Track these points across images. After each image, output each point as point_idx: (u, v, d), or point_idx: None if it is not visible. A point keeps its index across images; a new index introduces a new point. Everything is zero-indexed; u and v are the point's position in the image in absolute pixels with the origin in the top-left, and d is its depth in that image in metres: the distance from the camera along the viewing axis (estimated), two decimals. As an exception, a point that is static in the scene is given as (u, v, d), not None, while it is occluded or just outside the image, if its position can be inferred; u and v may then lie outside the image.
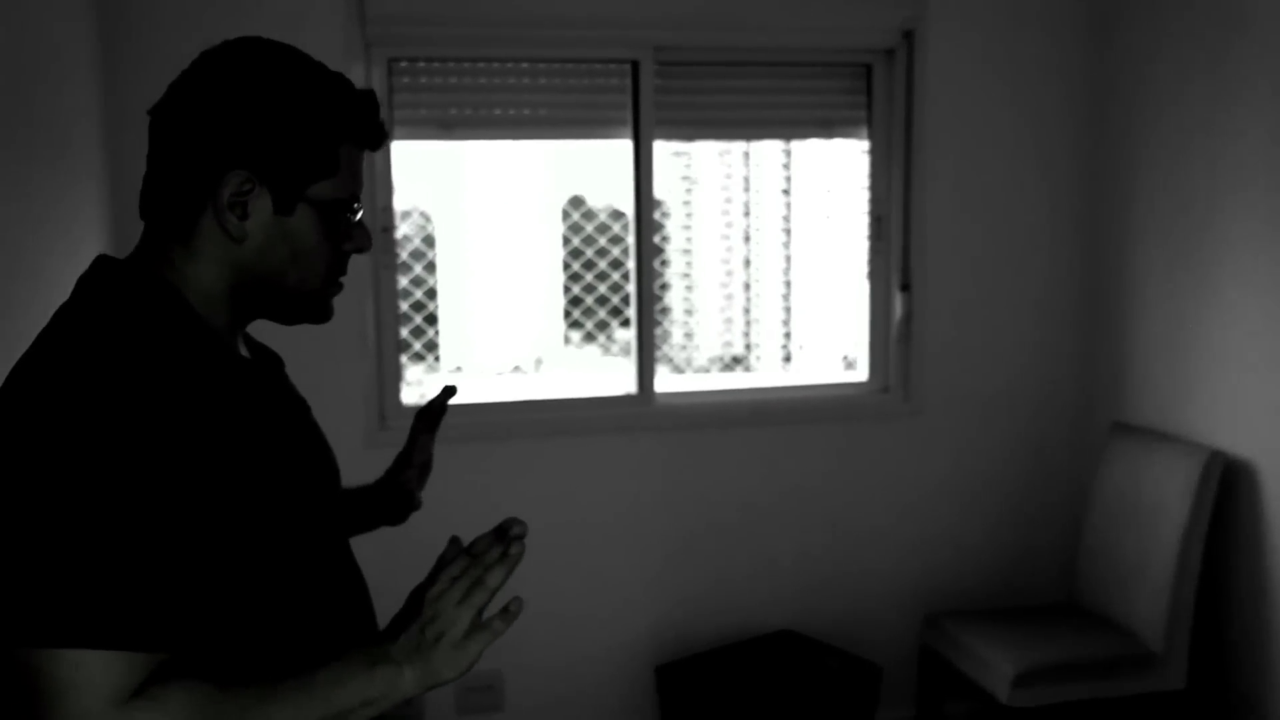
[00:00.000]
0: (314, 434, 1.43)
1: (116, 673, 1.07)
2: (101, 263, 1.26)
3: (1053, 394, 3.91)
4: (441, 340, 3.66)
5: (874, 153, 3.76)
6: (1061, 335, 3.89)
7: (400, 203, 3.50)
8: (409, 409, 3.53)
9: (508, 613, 1.21)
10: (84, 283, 1.24)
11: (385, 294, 3.46)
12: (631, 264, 3.65)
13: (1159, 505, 3.32)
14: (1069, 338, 3.90)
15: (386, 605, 3.03)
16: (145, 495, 1.10)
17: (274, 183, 1.24)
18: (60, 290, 2.29)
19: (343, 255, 1.33)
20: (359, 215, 1.33)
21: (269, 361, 1.40)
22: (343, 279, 1.35)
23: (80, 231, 2.57)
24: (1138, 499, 3.41)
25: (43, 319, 2.15)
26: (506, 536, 1.24)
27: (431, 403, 1.70)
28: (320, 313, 1.34)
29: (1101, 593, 3.50)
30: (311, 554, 1.29)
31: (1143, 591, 3.32)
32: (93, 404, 1.10)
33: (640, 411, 3.64)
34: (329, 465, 1.45)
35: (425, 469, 1.76)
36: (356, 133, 1.29)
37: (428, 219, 3.68)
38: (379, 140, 1.32)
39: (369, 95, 1.30)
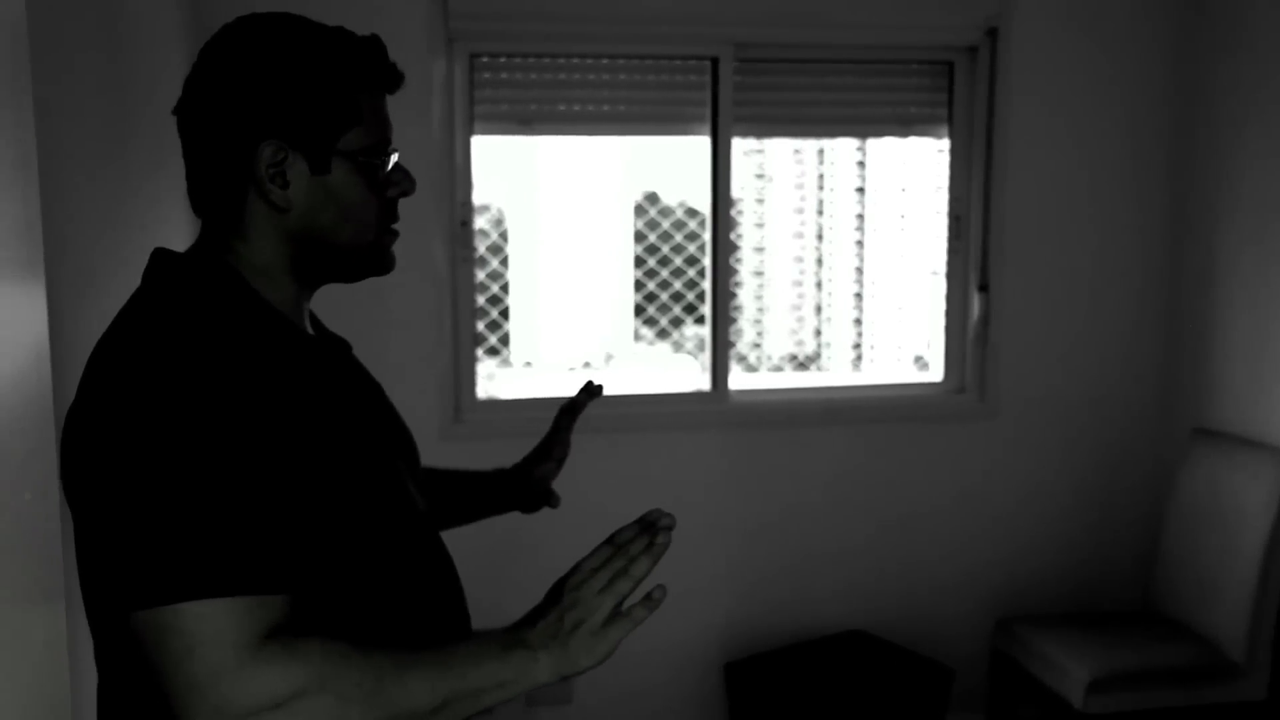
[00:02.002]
0: (389, 412, 1.46)
1: (241, 619, 1.09)
2: (159, 254, 1.30)
3: (1133, 398, 3.86)
4: (512, 335, 3.68)
5: (954, 151, 3.73)
6: (1143, 339, 3.84)
7: (478, 197, 3.52)
8: (483, 403, 3.55)
9: (651, 599, 1.19)
10: (149, 275, 1.29)
11: (462, 288, 3.49)
12: (707, 260, 3.65)
13: (1241, 512, 3.26)
14: (1151, 341, 3.84)
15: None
16: (237, 453, 1.13)
17: (305, 144, 1.26)
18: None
19: (390, 203, 1.35)
20: (395, 160, 1.34)
21: (336, 343, 1.42)
22: (396, 226, 1.37)
23: (173, 201, 2.62)
24: (1219, 506, 3.35)
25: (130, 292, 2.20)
26: (653, 527, 1.23)
27: (576, 397, 1.72)
28: (382, 263, 1.36)
29: (1180, 600, 3.45)
30: (393, 527, 1.31)
31: (1223, 600, 3.27)
32: (175, 376, 1.14)
33: (713, 409, 3.64)
34: (407, 442, 1.47)
35: (561, 462, 1.77)
36: (370, 78, 1.31)
37: (503, 213, 3.71)
38: (394, 82, 1.34)
39: (375, 40, 1.32)
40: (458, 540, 3.50)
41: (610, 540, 1.24)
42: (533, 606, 1.25)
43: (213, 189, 1.28)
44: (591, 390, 1.71)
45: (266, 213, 1.27)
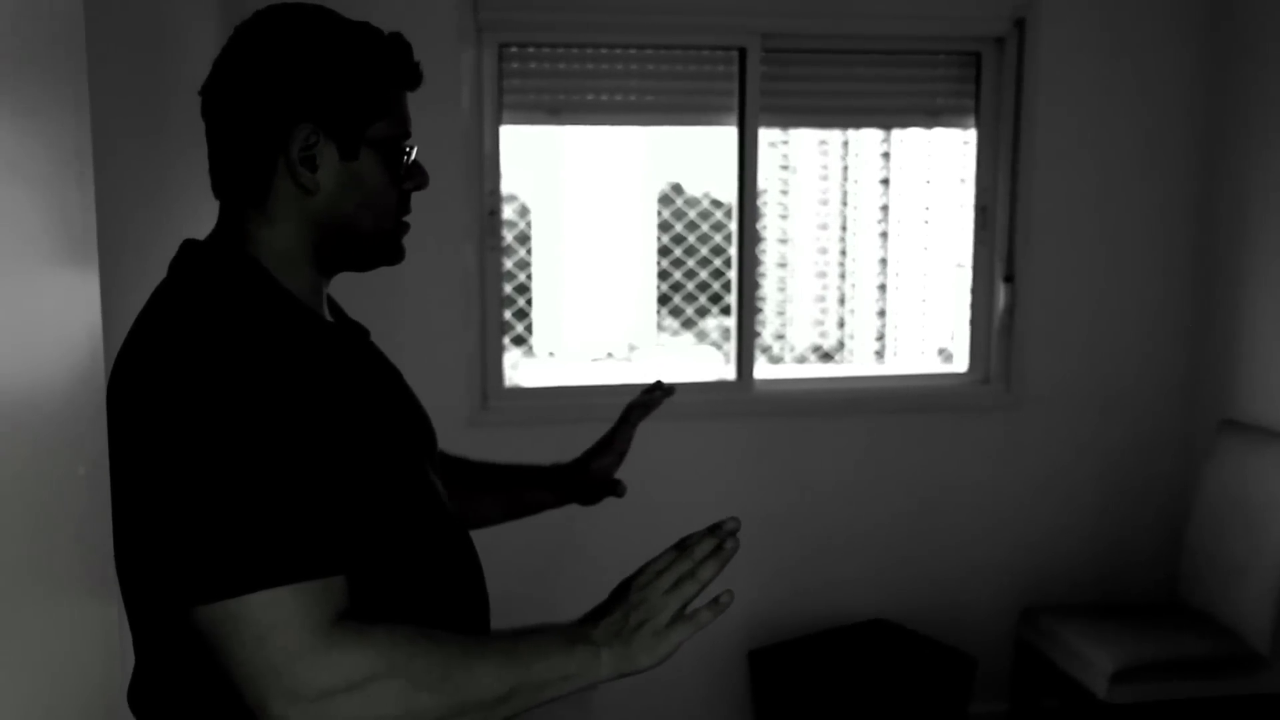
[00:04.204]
0: (409, 398, 1.48)
1: (310, 603, 1.11)
2: (187, 246, 1.33)
3: (1159, 389, 3.85)
4: (535, 325, 3.70)
5: (981, 142, 3.73)
6: (1170, 330, 3.83)
7: (504, 187, 3.53)
8: (509, 390, 3.58)
9: (717, 604, 1.21)
10: (175, 266, 1.31)
11: (490, 276, 3.51)
12: (734, 251, 3.66)
13: (1268, 504, 3.26)
14: (1177, 332, 3.83)
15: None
16: (282, 440, 1.15)
17: (337, 130, 1.29)
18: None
19: (405, 195, 1.38)
20: (414, 155, 1.38)
21: (354, 329, 1.45)
22: (408, 219, 1.40)
23: (206, 185, 2.66)
24: (1245, 498, 3.34)
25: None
26: (720, 532, 1.25)
27: (649, 395, 1.74)
28: (395, 253, 1.39)
29: (1205, 591, 3.44)
30: (415, 510, 1.33)
31: (1249, 591, 3.27)
32: (214, 367, 1.16)
33: (739, 398, 3.65)
34: (426, 428, 1.50)
35: (622, 456, 1.79)
36: (398, 74, 1.35)
37: (528, 204, 3.73)
38: (416, 80, 1.37)
39: (401, 38, 1.36)
40: (486, 531, 3.53)
41: (679, 544, 1.26)
42: (597, 604, 1.27)
43: (241, 170, 1.31)
44: (665, 389, 1.72)
45: (293, 195, 1.30)
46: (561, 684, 1.19)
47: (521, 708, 1.19)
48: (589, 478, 1.78)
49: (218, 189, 1.35)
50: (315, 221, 1.31)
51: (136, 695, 1.30)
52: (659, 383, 1.73)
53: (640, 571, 1.25)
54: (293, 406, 1.17)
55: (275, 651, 1.09)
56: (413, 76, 1.37)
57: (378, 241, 1.36)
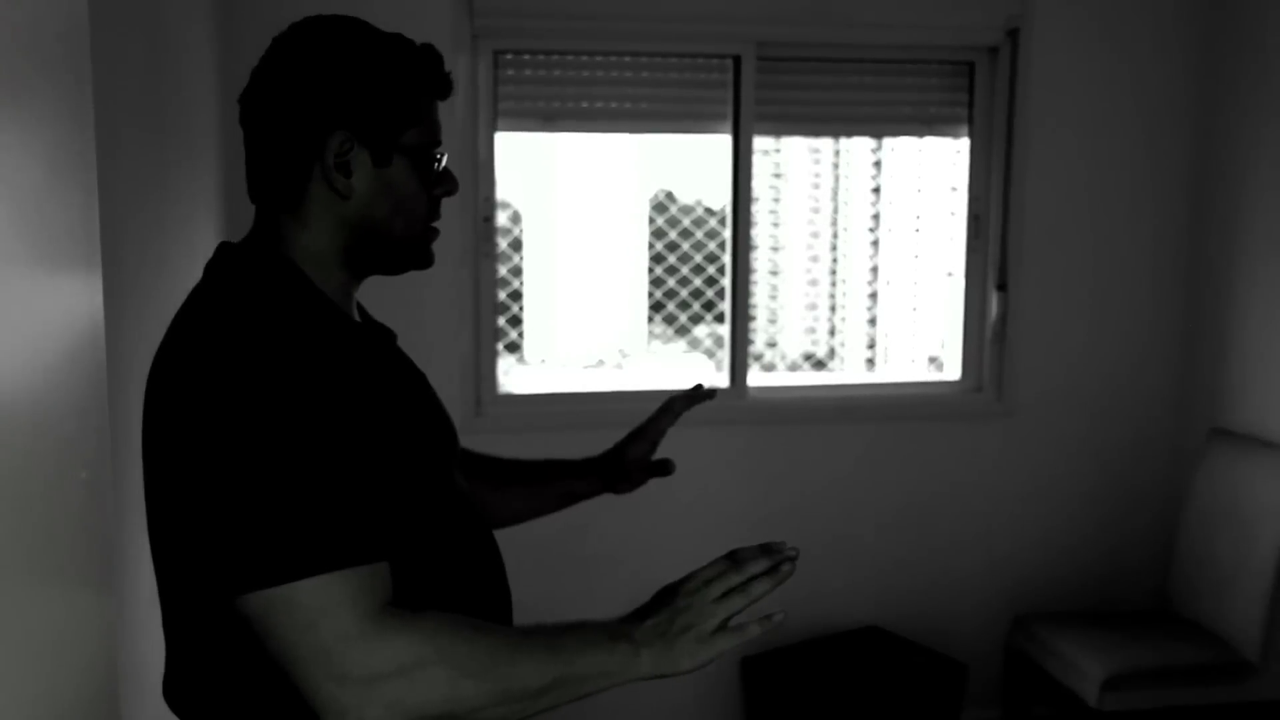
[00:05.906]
0: (433, 400, 1.52)
1: (358, 589, 1.14)
2: (224, 248, 1.36)
3: (1151, 398, 3.87)
4: (527, 331, 3.70)
5: (974, 151, 3.74)
6: (1161, 339, 3.85)
7: (499, 194, 3.53)
8: (502, 397, 3.58)
9: (770, 620, 1.25)
10: (211, 268, 1.34)
11: (484, 283, 3.51)
12: (727, 258, 3.67)
13: (1257, 513, 3.27)
14: (1169, 341, 3.85)
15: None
16: (325, 432, 1.18)
17: (371, 138, 1.32)
18: (182, 273, 2.38)
19: (435, 200, 1.42)
20: (444, 162, 1.41)
21: (382, 332, 1.48)
22: (437, 224, 1.44)
23: (201, 188, 2.65)
24: (1235, 506, 3.36)
25: (168, 298, 2.23)
26: (773, 552, 1.29)
27: (693, 394, 1.76)
28: (424, 258, 1.43)
29: (1196, 599, 3.46)
30: (441, 506, 1.37)
31: (1238, 599, 3.28)
32: (256, 362, 1.18)
33: (733, 406, 3.65)
34: (449, 429, 1.53)
35: (655, 445, 1.82)
36: (430, 83, 1.38)
37: (520, 212, 3.73)
38: (447, 89, 1.40)
39: (432, 48, 1.39)
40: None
41: (730, 555, 1.30)
42: (640, 604, 1.30)
43: (277, 175, 1.34)
44: (707, 391, 1.76)
45: (328, 200, 1.33)
46: (601, 679, 1.22)
47: (561, 700, 1.22)
48: (624, 464, 1.80)
49: (254, 193, 1.38)
50: (348, 225, 1.34)
51: (173, 689, 1.33)
52: (700, 385, 1.77)
53: (689, 578, 1.28)
54: (333, 401, 1.20)
55: (326, 635, 1.12)
56: (444, 86, 1.40)
57: (408, 246, 1.40)
